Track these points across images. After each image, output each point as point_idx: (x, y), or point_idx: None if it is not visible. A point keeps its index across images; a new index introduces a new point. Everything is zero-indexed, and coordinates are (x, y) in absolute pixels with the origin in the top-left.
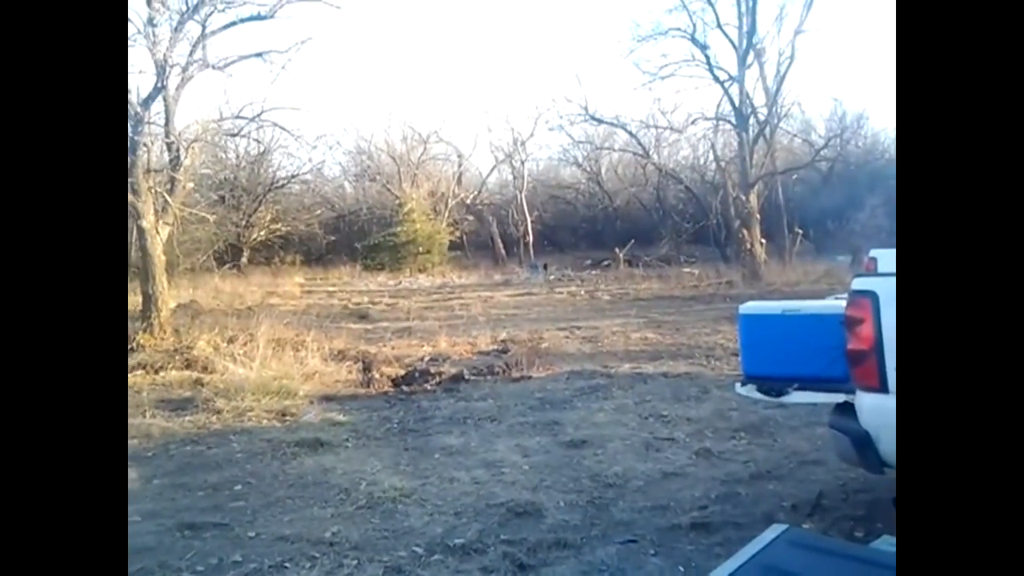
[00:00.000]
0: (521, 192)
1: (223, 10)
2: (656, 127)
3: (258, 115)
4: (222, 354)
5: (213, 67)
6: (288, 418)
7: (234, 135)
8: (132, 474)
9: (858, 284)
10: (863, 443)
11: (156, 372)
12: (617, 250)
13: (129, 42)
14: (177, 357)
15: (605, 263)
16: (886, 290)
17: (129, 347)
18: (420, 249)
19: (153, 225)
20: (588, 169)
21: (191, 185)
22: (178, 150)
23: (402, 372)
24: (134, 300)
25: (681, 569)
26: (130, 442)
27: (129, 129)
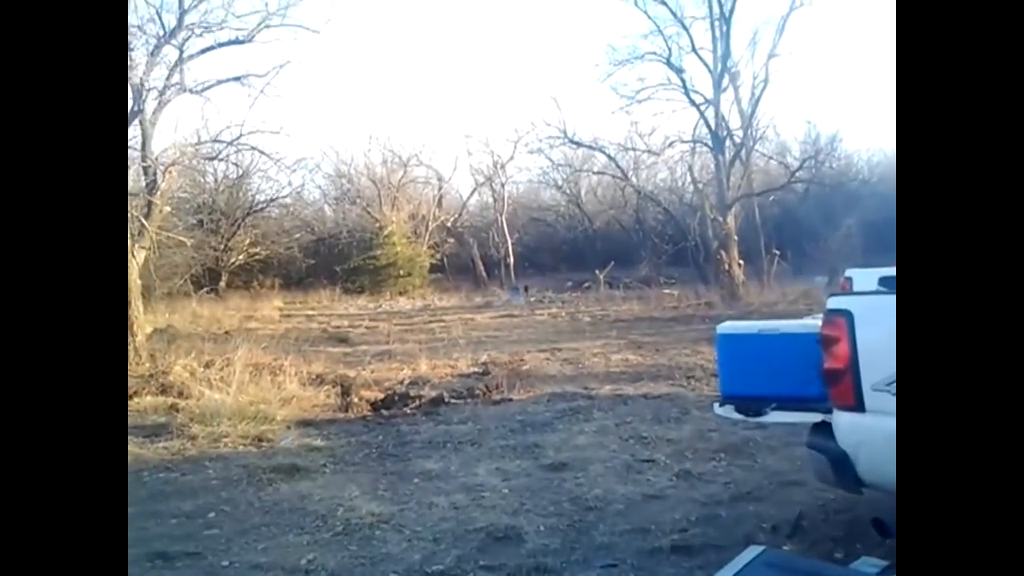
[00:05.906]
0: (501, 214)
1: (201, 34)
2: (634, 150)
3: (237, 138)
4: (198, 379)
5: (191, 91)
6: (265, 444)
7: (212, 159)
8: None
9: (833, 303)
10: (841, 462)
11: (131, 398)
12: (597, 271)
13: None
14: (152, 382)
15: (586, 284)
16: (861, 309)
17: None
18: (401, 272)
19: (129, 249)
20: (568, 191)
21: (168, 209)
22: (155, 174)
23: (381, 396)
24: None
25: None
26: None
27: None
